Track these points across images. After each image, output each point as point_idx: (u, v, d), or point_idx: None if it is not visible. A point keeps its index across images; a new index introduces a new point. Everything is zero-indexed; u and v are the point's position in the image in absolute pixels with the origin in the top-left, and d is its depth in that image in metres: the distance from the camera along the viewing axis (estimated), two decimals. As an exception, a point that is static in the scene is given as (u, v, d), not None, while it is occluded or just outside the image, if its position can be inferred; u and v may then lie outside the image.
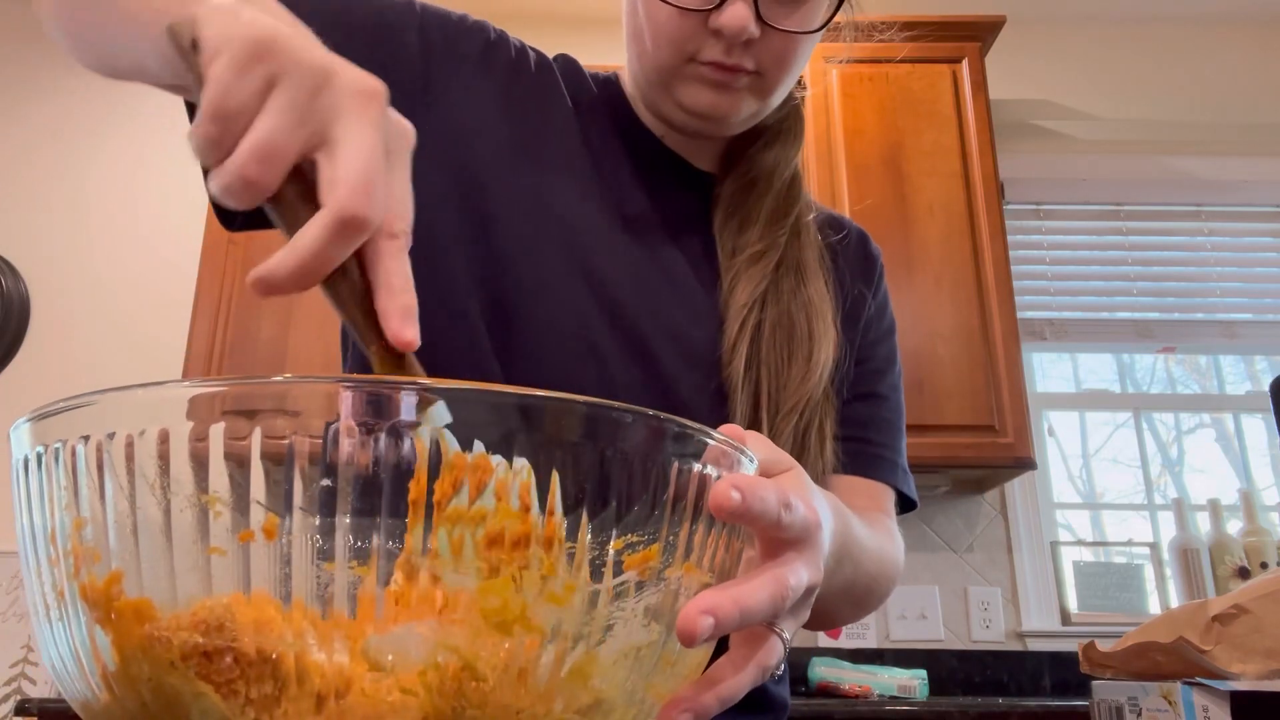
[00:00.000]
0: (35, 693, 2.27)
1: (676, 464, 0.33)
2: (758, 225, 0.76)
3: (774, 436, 0.69)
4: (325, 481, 0.29)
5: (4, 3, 2.93)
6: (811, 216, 0.81)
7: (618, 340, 0.71)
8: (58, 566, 0.31)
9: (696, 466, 0.34)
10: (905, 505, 0.83)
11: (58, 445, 0.31)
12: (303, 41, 0.38)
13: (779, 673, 0.39)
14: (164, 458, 0.30)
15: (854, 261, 0.84)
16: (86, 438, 0.30)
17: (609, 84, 0.82)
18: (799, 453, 0.71)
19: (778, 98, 0.75)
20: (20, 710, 1.85)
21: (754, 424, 0.70)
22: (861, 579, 0.65)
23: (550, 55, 0.82)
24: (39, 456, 0.32)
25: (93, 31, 0.55)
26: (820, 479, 0.73)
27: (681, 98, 0.72)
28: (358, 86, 0.38)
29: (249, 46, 0.36)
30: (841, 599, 0.67)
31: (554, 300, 0.70)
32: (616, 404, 0.32)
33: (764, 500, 0.36)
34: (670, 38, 0.70)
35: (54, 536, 0.31)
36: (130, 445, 0.30)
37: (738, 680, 0.39)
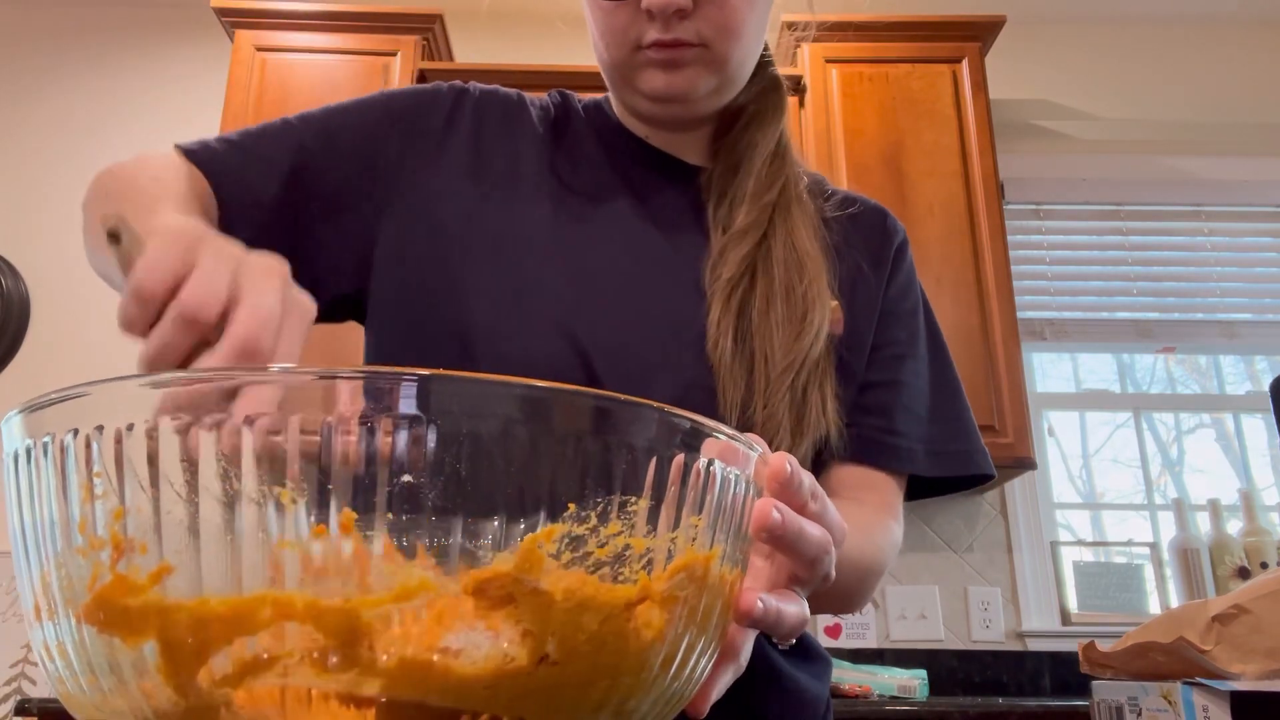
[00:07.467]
0: (35, 693, 2.26)
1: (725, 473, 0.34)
2: (744, 203, 0.78)
3: (770, 395, 0.70)
4: (406, 478, 0.28)
5: (4, 3, 2.93)
6: (804, 186, 0.82)
7: (603, 342, 0.72)
8: (88, 557, 0.29)
9: (731, 470, 0.34)
10: (957, 483, 0.81)
11: (91, 432, 0.29)
12: (218, 238, 0.43)
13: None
14: (235, 449, 0.28)
15: (862, 233, 0.84)
16: (131, 426, 0.29)
17: (596, 105, 0.86)
18: (800, 411, 0.71)
19: (738, 68, 0.76)
20: (20, 710, 1.85)
21: (749, 395, 0.71)
22: (836, 591, 0.68)
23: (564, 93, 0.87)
24: (63, 444, 0.30)
25: (90, 238, 0.66)
26: (822, 443, 0.73)
27: (640, 86, 0.75)
28: (262, 265, 0.42)
29: (172, 237, 0.41)
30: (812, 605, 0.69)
31: (527, 336, 0.72)
32: (623, 396, 0.31)
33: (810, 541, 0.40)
34: (614, 31, 0.73)
35: (83, 526, 0.29)
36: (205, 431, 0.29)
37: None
